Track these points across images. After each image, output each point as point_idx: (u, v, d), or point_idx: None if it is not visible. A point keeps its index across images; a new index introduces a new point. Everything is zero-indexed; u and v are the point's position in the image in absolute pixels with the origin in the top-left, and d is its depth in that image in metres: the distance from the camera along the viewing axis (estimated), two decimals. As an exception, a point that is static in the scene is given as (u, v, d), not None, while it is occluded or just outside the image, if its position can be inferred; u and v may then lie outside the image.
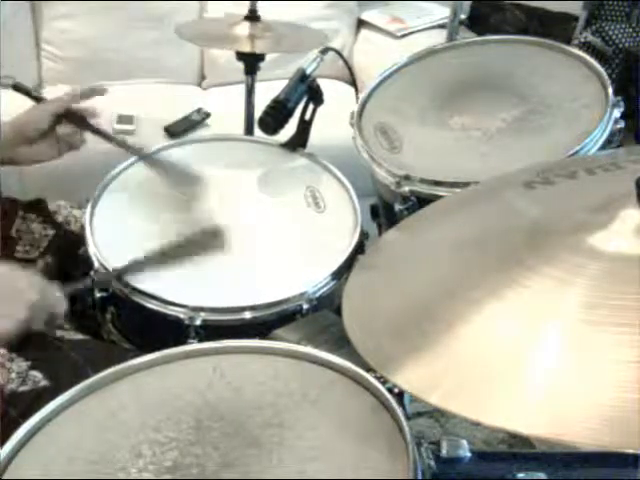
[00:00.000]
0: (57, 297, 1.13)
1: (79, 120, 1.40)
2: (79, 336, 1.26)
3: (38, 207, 1.47)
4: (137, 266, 1.27)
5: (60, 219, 1.47)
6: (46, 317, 1.11)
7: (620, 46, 2.55)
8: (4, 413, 1.05)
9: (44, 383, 1.11)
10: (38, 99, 1.45)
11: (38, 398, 1.06)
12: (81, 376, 0.90)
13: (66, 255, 1.40)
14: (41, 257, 1.40)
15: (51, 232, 1.44)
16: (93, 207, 1.39)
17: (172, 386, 0.88)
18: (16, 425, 0.84)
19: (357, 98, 1.63)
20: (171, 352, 0.93)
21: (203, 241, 1.32)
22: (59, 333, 1.23)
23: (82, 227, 1.38)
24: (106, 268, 1.28)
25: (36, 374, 1.11)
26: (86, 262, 1.32)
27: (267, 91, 1.60)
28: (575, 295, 0.66)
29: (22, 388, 1.10)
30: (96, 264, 1.30)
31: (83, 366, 1.11)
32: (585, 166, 0.87)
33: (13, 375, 1.11)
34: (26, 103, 1.45)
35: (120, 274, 1.27)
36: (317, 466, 0.76)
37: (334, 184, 1.48)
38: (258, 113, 1.56)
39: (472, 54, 1.63)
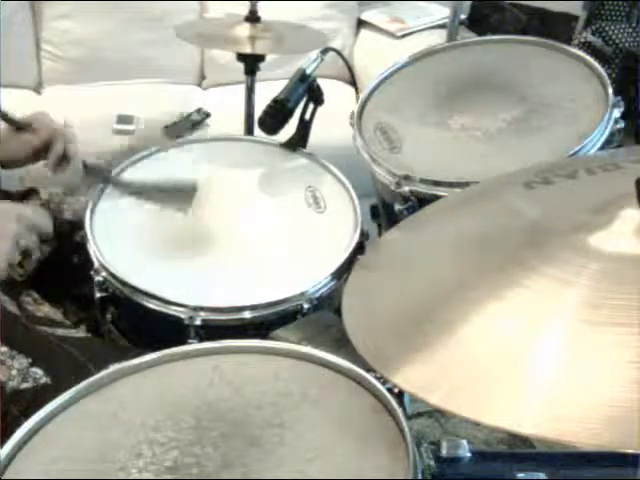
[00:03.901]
0: (42, 217, 1.20)
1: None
2: (80, 334, 1.26)
3: (31, 197, 1.46)
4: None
5: (53, 207, 1.46)
6: (35, 238, 1.19)
7: (620, 46, 2.55)
8: (5, 411, 1.05)
9: (45, 380, 1.11)
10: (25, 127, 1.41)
11: (39, 395, 1.06)
12: (82, 374, 0.90)
13: (62, 242, 1.40)
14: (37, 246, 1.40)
15: None
16: (93, 207, 1.39)
17: (172, 386, 0.88)
18: (17, 423, 0.84)
19: (357, 98, 1.63)
20: (171, 352, 0.93)
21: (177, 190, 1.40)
22: (60, 331, 1.23)
23: (74, 213, 1.41)
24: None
25: (37, 371, 1.11)
26: (84, 247, 1.33)
27: (267, 91, 1.59)
28: (575, 295, 0.66)
29: (23, 385, 1.10)
30: (96, 264, 1.30)
31: (84, 364, 1.11)
32: (585, 166, 0.87)
33: (14, 372, 1.11)
34: (26, 103, 1.44)
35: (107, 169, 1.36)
36: (317, 466, 0.76)
37: (334, 184, 1.48)
38: (258, 113, 1.56)
39: (472, 54, 1.63)
